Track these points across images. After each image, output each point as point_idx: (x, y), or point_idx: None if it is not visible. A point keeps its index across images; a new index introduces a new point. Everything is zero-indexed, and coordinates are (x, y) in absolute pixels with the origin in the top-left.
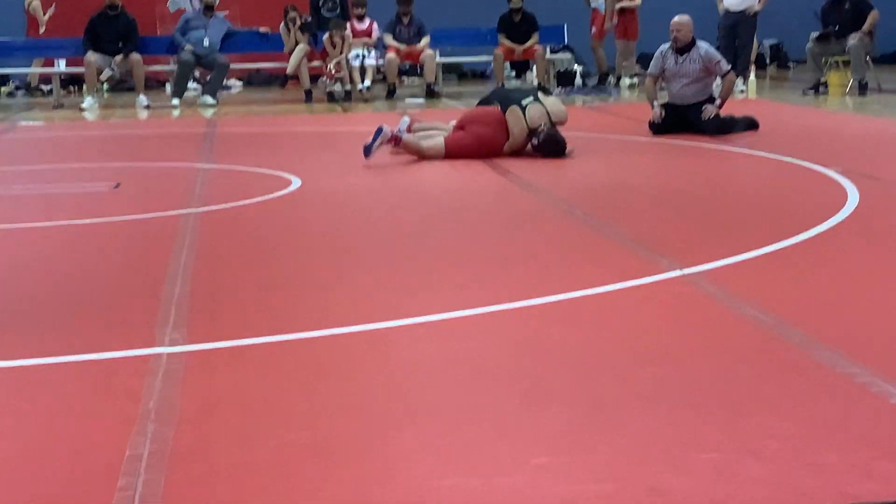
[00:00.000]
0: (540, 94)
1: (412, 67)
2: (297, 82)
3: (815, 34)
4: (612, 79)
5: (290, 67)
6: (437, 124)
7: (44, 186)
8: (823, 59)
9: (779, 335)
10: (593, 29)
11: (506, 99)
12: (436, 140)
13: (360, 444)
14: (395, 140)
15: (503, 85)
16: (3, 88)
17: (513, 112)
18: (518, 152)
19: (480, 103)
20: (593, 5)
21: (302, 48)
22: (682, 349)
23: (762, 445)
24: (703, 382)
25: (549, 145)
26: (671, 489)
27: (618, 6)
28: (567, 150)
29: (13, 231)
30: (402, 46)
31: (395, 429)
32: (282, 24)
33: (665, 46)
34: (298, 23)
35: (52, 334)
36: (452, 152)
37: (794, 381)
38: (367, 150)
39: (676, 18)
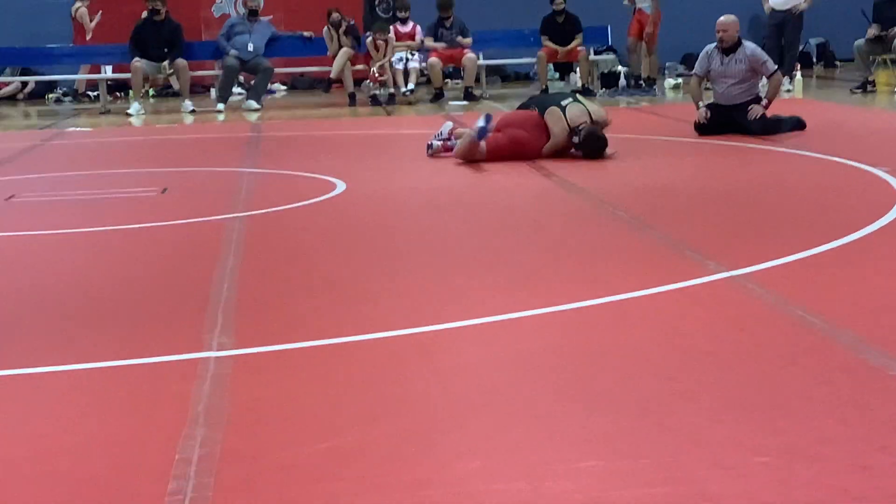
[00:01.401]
0: (579, 96)
1: (455, 70)
2: (341, 86)
3: (873, 32)
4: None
5: (333, 71)
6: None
7: (91, 192)
8: (871, 58)
9: (828, 336)
10: (645, 33)
11: (544, 102)
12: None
13: (407, 447)
14: (446, 148)
15: (546, 88)
16: (50, 95)
17: (553, 113)
18: (560, 153)
19: (519, 109)
20: (639, 5)
21: (346, 52)
22: (730, 351)
23: (814, 449)
24: (752, 385)
25: (591, 142)
26: (723, 493)
27: (639, 6)
28: (609, 152)
29: (61, 236)
30: (442, 45)
31: (442, 432)
32: (325, 27)
33: (711, 46)
34: (344, 26)
35: (100, 339)
36: (492, 154)
37: (844, 383)
38: (482, 133)
39: (722, 18)
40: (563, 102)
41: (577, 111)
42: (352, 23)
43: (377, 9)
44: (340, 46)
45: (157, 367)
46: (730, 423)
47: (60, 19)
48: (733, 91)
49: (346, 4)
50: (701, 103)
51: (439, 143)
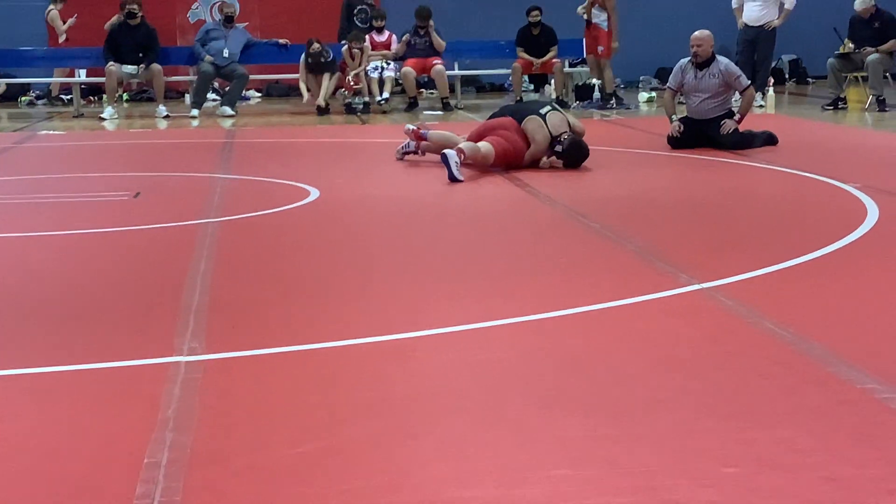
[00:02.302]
0: (556, 104)
1: (430, 80)
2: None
3: (848, 48)
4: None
5: (321, 99)
6: (448, 135)
7: (64, 195)
8: (843, 75)
9: (798, 349)
10: (600, 48)
11: (520, 111)
12: (482, 146)
13: (378, 452)
14: (418, 148)
15: (521, 99)
16: (23, 98)
17: (533, 120)
18: (536, 163)
19: (492, 118)
20: (594, 20)
21: (334, 79)
22: (700, 362)
23: (782, 459)
24: (722, 396)
25: (574, 151)
26: (691, 502)
27: (594, 21)
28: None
29: (33, 239)
30: (406, 38)
31: (414, 438)
32: (302, 56)
33: (684, 61)
34: (324, 59)
35: (72, 342)
36: (500, 159)
37: (813, 395)
38: (452, 178)
39: (697, 33)
40: (543, 111)
41: (556, 120)
42: (332, 57)
43: (355, 18)
44: (309, 74)
45: (127, 371)
46: (699, 433)
47: (34, 22)
48: (706, 105)
49: (325, 15)
50: (674, 117)
51: (408, 132)
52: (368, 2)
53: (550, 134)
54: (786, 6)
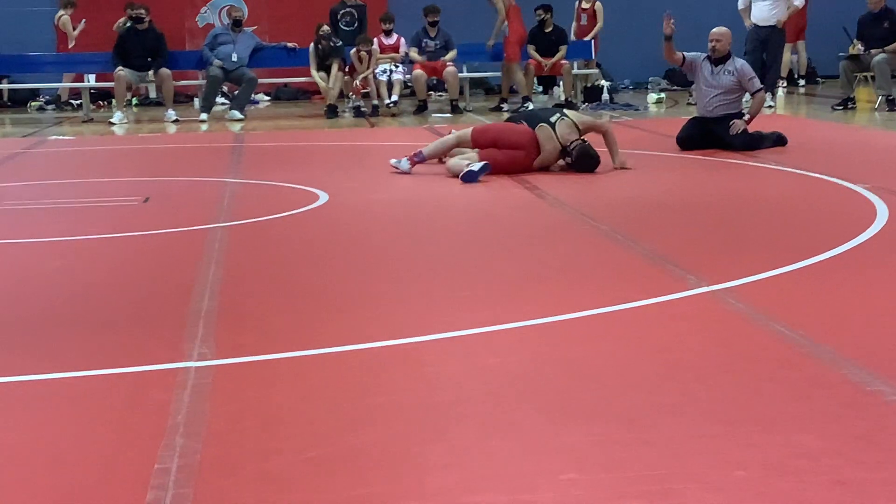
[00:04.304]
0: (565, 110)
1: (439, 82)
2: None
3: (857, 49)
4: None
5: (331, 98)
6: (440, 142)
7: (73, 200)
8: (853, 75)
9: (807, 352)
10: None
11: (533, 118)
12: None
13: (388, 458)
14: (415, 161)
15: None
16: (33, 103)
17: (543, 129)
18: (546, 168)
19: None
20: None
21: (340, 76)
22: (709, 365)
23: (792, 463)
24: (730, 398)
25: (584, 160)
26: None
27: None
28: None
29: (41, 244)
30: (423, 58)
31: (423, 443)
32: (312, 44)
33: (702, 55)
34: (333, 44)
35: (81, 348)
36: (496, 170)
37: (823, 397)
38: (470, 176)
39: (716, 29)
40: (552, 119)
41: (566, 128)
42: (339, 43)
43: (340, 23)
44: (320, 63)
45: (137, 377)
46: (709, 437)
47: (44, 27)
48: (716, 102)
49: (317, 18)
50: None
51: (406, 162)
52: (353, 4)
53: (560, 144)
54: (794, 3)
